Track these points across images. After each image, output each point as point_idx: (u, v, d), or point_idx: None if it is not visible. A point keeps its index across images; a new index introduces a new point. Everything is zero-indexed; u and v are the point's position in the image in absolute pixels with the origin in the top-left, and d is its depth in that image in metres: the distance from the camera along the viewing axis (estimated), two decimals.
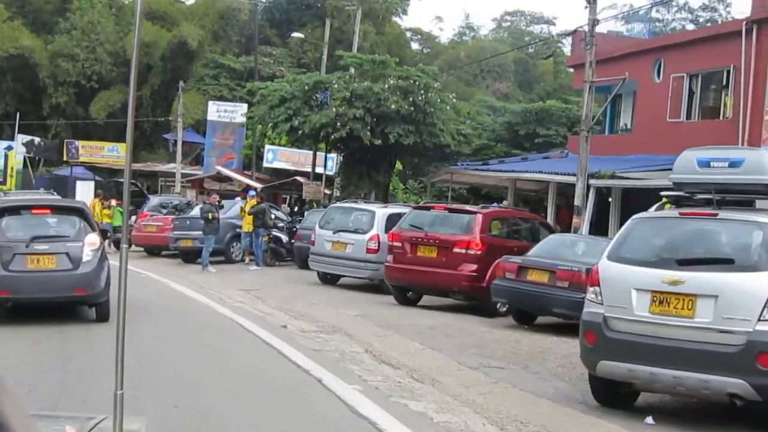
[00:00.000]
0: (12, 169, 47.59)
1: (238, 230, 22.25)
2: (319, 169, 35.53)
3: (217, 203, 21.29)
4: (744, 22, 20.30)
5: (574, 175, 20.15)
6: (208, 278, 19.02)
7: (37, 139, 49.69)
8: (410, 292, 15.64)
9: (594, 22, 19.77)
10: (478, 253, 14.31)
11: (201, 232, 20.79)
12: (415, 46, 71.45)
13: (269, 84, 28.37)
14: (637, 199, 21.87)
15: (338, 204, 20.11)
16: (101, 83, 50.40)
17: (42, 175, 50.75)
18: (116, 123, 49.84)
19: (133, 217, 26.76)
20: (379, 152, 26.49)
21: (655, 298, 7.16)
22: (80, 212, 11.81)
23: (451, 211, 15.26)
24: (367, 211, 17.98)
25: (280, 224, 23.00)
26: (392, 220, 17.60)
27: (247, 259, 22.27)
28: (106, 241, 25.60)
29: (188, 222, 22.49)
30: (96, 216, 24.85)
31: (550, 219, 22.19)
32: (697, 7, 65.20)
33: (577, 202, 19.68)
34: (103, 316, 11.32)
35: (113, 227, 25.84)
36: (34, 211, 11.88)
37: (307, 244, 20.69)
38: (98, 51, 51.34)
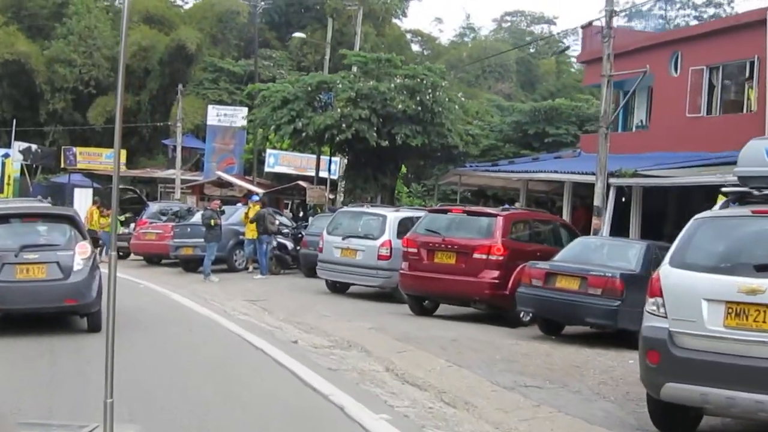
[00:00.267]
0: (9, 177, 46.61)
1: (241, 237, 21.28)
2: (322, 173, 34.65)
3: (218, 209, 20.34)
4: None
5: (593, 174, 19.20)
6: (210, 288, 18.07)
7: (34, 146, 48.73)
8: (426, 301, 14.67)
9: (611, 13, 18.84)
10: (500, 258, 13.35)
11: (202, 240, 19.84)
12: (415, 47, 70.52)
13: (271, 85, 27.45)
14: (657, 199, 21.02)
15: (347, 208, 19.15)
16: (99, 89, 49.41)
17: (39, 183, 49.82)
18: (114, 129, 48.84)
19: (132, 225, 25.82)
20: (386, 154, 25.56)
21: (730, 310, 6.21)
22: (71, 220, 11.44)
23: (469, 213, 14.29)
24: (378, 215, 17.03)
25: (285, 230, 22.03)
26: (404, 225, 16.67)
27: (250, 267, 21.32)
28: (103, 250, 24.72)
29: (189, 229, 21.54)
30: (94, 224, 23.91)
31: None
32: (701, 2, 64.36)
33: (596, 202, 18.71)
34: (94, 326, 11.01)
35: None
36: (23, 220, 11.49)
37: (313, 251, 19.74)
38: (95, 56, 50.41)
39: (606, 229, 18.83)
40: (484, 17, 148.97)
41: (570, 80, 67.10)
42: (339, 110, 23.56)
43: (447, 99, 24.93)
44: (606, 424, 7.37)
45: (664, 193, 21.40)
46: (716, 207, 7.64)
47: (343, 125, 23.48)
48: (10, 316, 10.89)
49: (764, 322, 6.04)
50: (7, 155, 46.64)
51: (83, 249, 10.95)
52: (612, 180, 18.89)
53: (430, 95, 24.22)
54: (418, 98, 24.00)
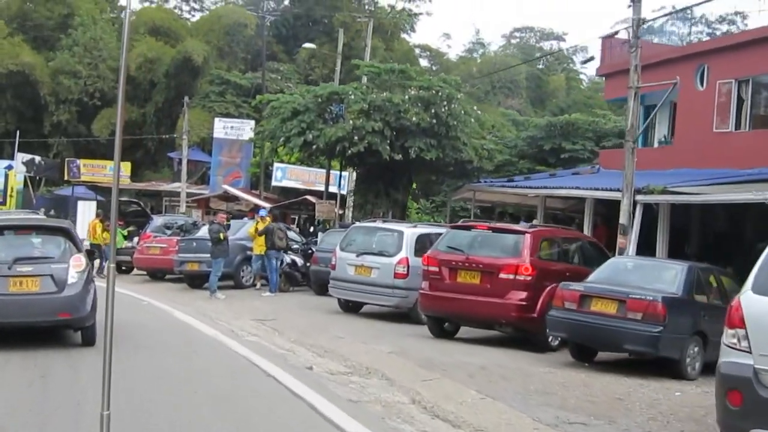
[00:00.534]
0: (12, 189, 45.86)
1: (248, 252, 20.40)
2: (331, 188, 33.83)
3: (225, 223, 19.48)
4: None
5: (618, 190, 18.31)
6: (216, 306, 17.18)
7: (37, 158, 48.04)
8: (446, 323, 13.76)
9: (638, 23, 18.00)
10: (529, 278, 12.45)
11: (208, 255, 18.97)
12: (424, 62, 69.86)
13: (281, 96, 26.62)
14: (677, 217, 20.07)
15: (361, 224, 18.27)
16: (104, 101, 48.73)
17: (43, 195, 49.12)
18: (115, 141, 48.13)
19: (135, 239, 24.96)
20: (398, 168, 24.71)
21: None
22: (65, 233, 11.16)
23: (495, 230, 13.39)
24: (394, 231, 16.14)
25: (295, 246, 21.16)
26: (422, 242, 15.82)
27: (258, 284, 20.45)
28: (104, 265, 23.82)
29: (194, 244, 20.65)
30: (97, 238, 23.06)
31: None
32: (714, 20, 63.72)
33: (622, 220, 17.81)
34: (89, 341, 10.79)
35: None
36: (17, 232, 11.18)
37: (325, 267, 18.89)
38: (101, 68, 49.80)
39: (632, 248, 17.94)
40: (493, 33, 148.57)
41: (580, 96, 66.42)
42: (351, 122, 22.71)
43: (462, 112, 24.09)
44: None
45: (685, 210, 20.51)
46: None
47: (355, 138, 22.63)
48: (3, 329, 10.53)
49: None
50: (10, 167, 45.91)
51: (78, 262, 10.69)
52: (639, 197, 17.99)
53: (446, 107, 23.38)
54: (432, 110, 23.16)
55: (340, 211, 29.86)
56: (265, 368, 9.85)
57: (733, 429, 5.83)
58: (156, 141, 50.02)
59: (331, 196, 30.42)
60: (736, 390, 5.70)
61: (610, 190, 19.03)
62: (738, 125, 20.95)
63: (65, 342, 11.31)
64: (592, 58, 23.93)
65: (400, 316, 15.83)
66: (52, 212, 46.81)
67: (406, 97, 23.22)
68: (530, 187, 23.57)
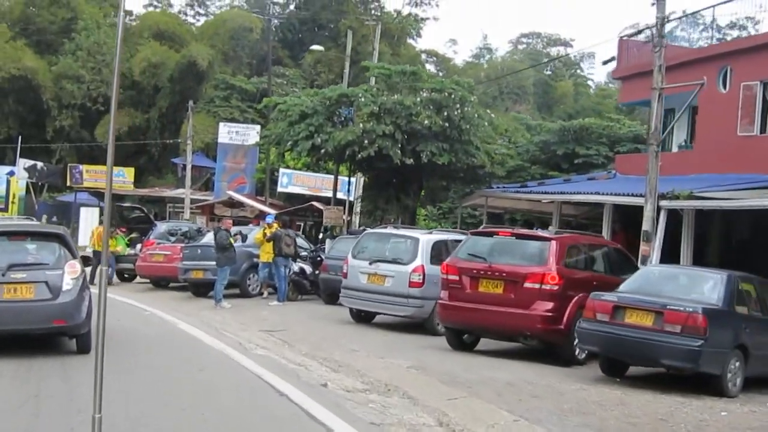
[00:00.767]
0: (14, 195, 45.24)
1: (255, 260, 19.66)
2: (338, 194, 33.11)
3: (236, 234, 18.71)
4: None
5: (641, 196, 17.57)
6: (222, 316, 16.45)
7: (39, 164, 47.38)
8: (466, 335, 13.00)
9: (663, 21, 17.27)
10: (555, 288, 11.70)
11: (214, 263, 18.23)
12: (430, 68, 69.22)
13: (288, 98, 25.89)
14: (703, 224, 19.33)
15: (374, 230, 17.51)
16: (107, 106, 47.94)
17: (45, 202, 48.48)
18: (123, 146, 47.54)
19: (138, 245, 24.24)
20: (408, 173, 23.95)
21: None
22: (60, 239, 10.97)
23: (518, 237, 12.63)
24: (409, 237, 15.39)
25: (303, 253, 20.42)
26: (438, 249, 15.10)
27: (265, 293, 19.70)
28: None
29: (199, 251, 19.93)
30: (101, 246, 22.26)
31: None
32: (725, 25, 62.90)
33: (645, 226, 17.06)
34: (84, 348, 10.59)
35: (115, 257, 23.24)
36: (11, 238, 10.98)
37: (334, 275, 18.17)
38: (104, 72, 49.10)
39: (656, 255, 17.18)
40: (500, 39, 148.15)
41: (588, 102, 65.71)
42: (361, 125, 21.94)
43: (476, 115, 23.33)
44: None
45: (705, 216, 19.74)
46: None
47: (366, 141, 21.86)
48: None
49: None
50: (12, 173, 45.30)
51: (73, 268, 10.53)
52: (663, 203, 17.24)
53: (458, 110, 22.62)
54: (445, 113, 22.39)
55: (348, 218, 29.13)
56: (277, 386, 9.12)
57: None
58: (160, 147, 49.37)
59: (339, 203, 29.71)
60: None
61: (632, 195, 18.28)
62: (763, 128, 20.21)
63: (60, 350, 10.87)
64: (613, 59, 23.17)
65: (415, 326, 15.09)
66: (54, 218, 46.16)
67: (418, 99, 22.46)
68: (546, 193, 22.79)
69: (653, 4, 17.41)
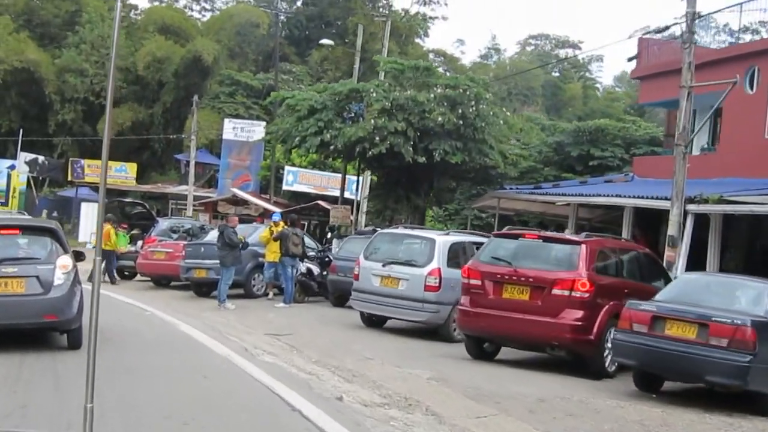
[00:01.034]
0: (14, 189, 44.53)
1: (260, 260, 18.85)
2: (338, 192, 32.36)
3: (236, 228, 17.93)
4: None
5: (666, 199, 16.77)
6: (226, 317, 15.63)
7: (41, 158, 46.71)
8: (486, 344, 12.18)
9: (693, 16, 16.46)
10: (586, 295, 10.88)
11: (217, 262, 17.42)
12: (438, 68, 68.49)
13: (296, 93, 25.09)
14: (724, 229, 18.48)
15: (387, 230, 16.69)
16: None
17: (46, 196, 47.78)
18: (125, 141, 46.82)
19: (139, 242, 23.42)
20: (419, 172, 23.18)
21: None
22: (52, 233, 10.79)
23: (546, 240, 11.81)
24: (425, 239, 14.57)
25: (311, 253, 19.61)
26: (455, 251, 14.30)
27: (270, 294, 18.89)
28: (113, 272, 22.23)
29: (202, 249, 19.11)
30: (111, 244, 21.51)
31: None
32: (738, 29, 62.03)
33: (671, 231, 16.25)
34: (75, 343, 10.49)
35: (116, 255, 22.40)
36: (2, 232, 10.75)
37: (343, 277, 17.40)
38: (108, 66, 48.07)
39: (682, 262, 16.37)
40: (508, 40, 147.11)
41: (598, 105, 64.83)
42: (372, 122, 21.14)
43: (491, 113, 22.53)
44: None
45: (727, 222, 18.93)
46: None
47: (377, 138, 21.08)
48: None
49: None
50: (13, 167, 44.59)
51: (64, 263, 10.37)
52: (691, 207, 16.43)
53: (473, 108, 21.83)
54: (459, 111, 21.60)
55: (353, 217, 28.35)
56: (288, 399, 8.29)
57: None
58: (163, 142, 48.68)
59: (345, 202, 28.92)
60: None
61: (657, 198, 17.47)
62: None
63: (51, 352, 10.42)
64: (637, 55, 22.34)
65: (429, 332, 14.27)
66: (54, 214, 45.50)
67: (432, 95, 21.67)
68: (563, 195, 21.97)
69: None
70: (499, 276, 11.44)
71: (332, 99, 22.74)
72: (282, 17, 55.22)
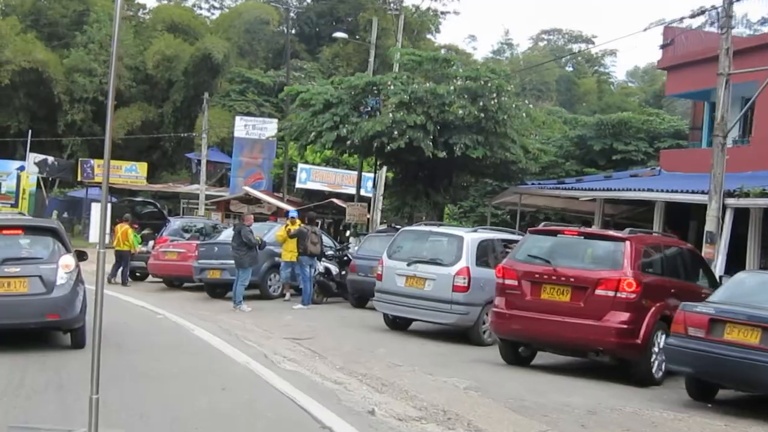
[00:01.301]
0: (24, 190, 43.96)
1: (276, 259, 18.09)
2: (354, 190, 31.65)
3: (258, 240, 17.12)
4: None
5: (703, 192, 15.95)
6: (242, 320, 14.88)
7: (50, 158, 46.12)
8: (521, 348, 11.38)
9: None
10: (632, 296, 10.06)
11: (232, 262, 16.67)
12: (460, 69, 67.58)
13: (311, 86, 24.31)
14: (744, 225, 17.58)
15: (411, 228, 15.90)
16: (120, 100, 46.66)
17: (56, 197, 47.23)
18: (135, 141, 46.22)
19: (151, 243, 22.69)
20: (438, 168, 22.39)
21: None
22: (54, 233, 10.75)
23: (587, 236, 11.00)
24: (452, 236, 13.76)
25: (329, 252, 18.84)
26: (484, 249, 13.50)
27: (287, 294, 18.12)
28: (126, 272, 21.52)
29: (216, 249, 18.38)
30: (130, 245, 20.84)
31: None
32: (756, 21, 60.98)
33: (709, 227, 15.44)
34: (78, 343, 10.53)
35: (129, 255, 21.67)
36: (4, 232, 10.68)
37: (364, 276, 16.67)
38: (117, 66, 47.50)
39: (721, 259, 15.54)
40: (520, 36, 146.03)
41: (613, 99, 63.90)
42: (391, 115, 20.34)
43: (513, 105, 21.70)
44: None
45: (744, 217, 18.04)
46: None
47: (395, 132, 20.29)
48: None
49: None
50: (22, 168, 44.01)
51: (67, 262, 10.38)
52: (730, 201, 15.60)
53: (495, 100, 21.01)
54: (480, 103, 20.79)
55: (368, 215, 27.60)
56: (316, 413, 7.52)
57: None
58: (174, 141, 48.08)
59: (361, 199, 28.17)
60: None
61: (693, 192, 16.64)
62: None
63: (55, 351, 10.39)
64: (671, 42, 21.46)
65: (457, 335, 13.46)
66: (65, 215, 44.96)
67: (451, 88, 20.86)
68: (590, 189, 21.13)
69: None
70: (537, 276, 10.63)
71: (348, 93, 21.96)
72: (292, 14, 54.52)
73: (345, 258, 18.54)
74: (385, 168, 26.51)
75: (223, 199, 37.11)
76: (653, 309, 10.26)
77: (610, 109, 54.67)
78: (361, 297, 17.23)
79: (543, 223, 12.82)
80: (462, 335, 13.39)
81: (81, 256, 11.09)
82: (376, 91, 21.98)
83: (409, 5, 55.61)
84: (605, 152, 28.12)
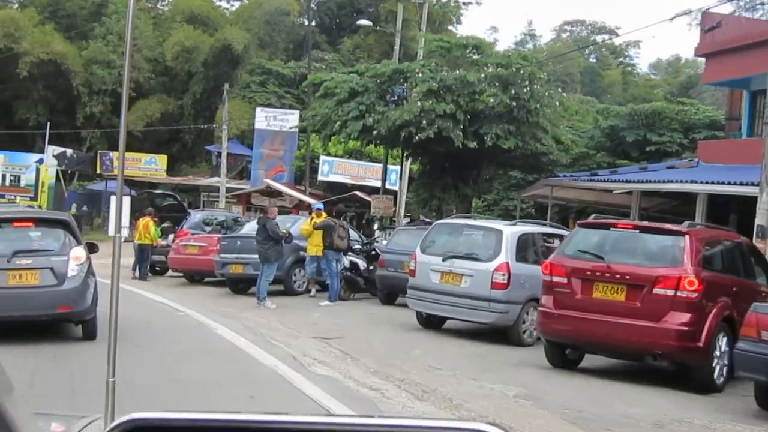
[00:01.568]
0: (43, 184, 43.51)
1: (301, 254, 17.35)
2: (377, 183, 30.87)
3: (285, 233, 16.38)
4: None
5: (752, 184, 15.06)
6: (266, 317, 14.18)
7: (69, 151, 45.59)
8: (569, 350, 10.57)
9: None
10: (694, 295, 9.24)
11: (255, 256, 15.95)
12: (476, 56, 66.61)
13: (335, 75, 23.53)
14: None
15: (445, 221, 15.12)
16: (139, 92, 46.07)
17: (75, 190, 46.78)
18: (155, 134, 45.65)
19: (171, 236, 22.01)
20: (467, 159, 21.56)
21: None
22: (65, 225, 10.80)
23: (643, 230, 10.17)
24: (490, 229, 12.97)
25: (356, 246, 18.10)
26: (523, 243, 12.71)
27: (313, 290, 17.39)
28: (146, 267, 20.92)
29: (239, 242, 17.67)
30: (147, 237, 20.20)
31: None
32: None
33: (760, 220, 14.52)
34: (89, 334, 10.56)
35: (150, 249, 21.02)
36: (15, 224, 10.79)
37: (393, 272, 15.93)
38: (136, 57, 46.97)
39: None
40: (543, 27, 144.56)
41: (638, 91, 62.69)
42: (419, 104, 19.54)
43: (546, 94, 20.84)
44: None
45: None
46: None
47: (424, 122, 19.48)
48: (2, 324, 10.10)
49: None
50: (41, 161, 43.56)
51: (77, 254, 10.42)
52: None
53: (527, 88, 20.16)
54: (512, 91, 19.95)
55: (393, 208, 26.83)
56: None
57: None
58: (193, 134, 47.49)
59: (386, 192, 27.38)
60: None
61: (742, 184, 15.74)
62: None
63: (67, 343, 10.40)
64: (718, 25, 20.48)
65: (494, 334, 12.66)
66: (84, 208, 44.50)
67: (482, 75, 20.02)
68: (626, 181, 20.24)
69: None
70: (588, 272, 9.82)
71: (374, 81, 21.17)
72: (313, 4, 53.78)
73: (373, 252, 17.79)
74: (410, 160, 25.73)
75: (244, 192, 36.45)
76: (715, 309, 9.44)
77: (635, 101, 53.62)
78: (390, 293, 16.50)
79: (593, 216, 11.99)
80: (500, 334, 12.60)
81: (92, 248, 10.98)
82: (402, 79, 21.17)
83: None
84: (638, 143, 27.18)
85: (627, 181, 20.27)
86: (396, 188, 28.31)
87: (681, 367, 9.63)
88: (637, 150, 27.16)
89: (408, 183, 27.66)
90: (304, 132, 34.43)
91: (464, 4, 60.75)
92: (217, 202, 36.48)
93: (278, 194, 33.39)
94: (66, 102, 47.55)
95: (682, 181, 17.85)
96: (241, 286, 18.00)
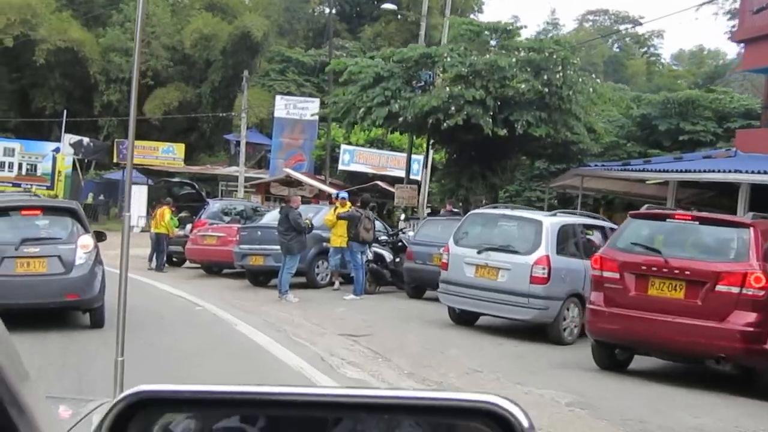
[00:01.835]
0: (60, 173, 43.03)
1: (325, 245, 16.60)
2: (399, 173, 30.11)
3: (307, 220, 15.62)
4: None
5: None
6: (289, 312, 13.45)
7: (86, 140, 45.05)
8: (618, 350, 9.76)
9: None
10: (761, 293, 8.41)
11: (277, 247, 15.23)
12: (493, 43, 65.64)
13: (359, 60, 22.71)
14: None
15: (480, 210, 14.32)
16: (157, 80, 45.47)
17: (92, 179, 46.29)
18: (173, 122, 45.03)
19: (188, 226, 21.33)
20: (495, 147, 20.69)
21: None
22: (72, 213, 10.76)
23: (703, 221, 9.33)
24: (528, 220, 12.17)
25: (382, 237, 17.33)
26: (564, 235, 11.90)
27: (336, 283, 16.64)
28: (162, 258, 20.32)
29: (259, 233, 16.94)
30: (163, 226, 19.59)
31: None
32: None
33: None
34: (97, 322, 10.56)
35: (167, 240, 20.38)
36: (23, 213, 10.79)
37: (422, 264, 15.20)
38: (153, 45, 46.41)
39: None
40: (565, 17, 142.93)
41: (663, 81, 61.56)
42: (447, 89, 18.70)
43: (580, 80, 19.95)
44: None
45: None
46: None
47: (452, 108, 18.64)
48: (10, 312, 9.23)
49: None
50: (57, 150, 43.06)
51: (85, 242, 10.45)
52: None
53: (560, 74, 19.27)
54: (545, 77, 19.09)
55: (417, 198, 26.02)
56: None
57: None
58: (212, 123, 46.84)
59: (410, 181, 26.58)
60: None
61: None
62: None
63: (74, 331, 10.37)
64: (766, 7, 19.51)
65: (531, 331, 11.87)
66: (101, 197, 43.98)
67: (513, 60, 19.15)
68: (664, 171, 19.34)
69: None
70: (644, 267, 9.00)
71: (400, 66, 20.35)
72: None
73: (399, 244, 17.02)
74: (441, 146, 24.91)
75: (263, 181, 35.78)
76: None
77: (660, 91, 52.57)
78: (418, 287, 15.77)
79: (645, 206, 11.14)
80: (538, 332, 11.80)
81: (100, 236, 11.00)
82: (430, 64, 20.33)
83: None
84: (671, 133, 26.21)
85: (663, 171, 19.37)
86: (418, 178, 27.51)
87: (745, 371, 8.80)
88: (670, 139, 26.20)
89: (432, 173, 26.85)
90: (324, 121, 33.67)
91: None
92: (236, 191, 35.87)
93: (298, 184, 32.71)
94: (83, 90, 47.01)
95: (724, 171, 16.94)
96: (261, 278, 17.31)
